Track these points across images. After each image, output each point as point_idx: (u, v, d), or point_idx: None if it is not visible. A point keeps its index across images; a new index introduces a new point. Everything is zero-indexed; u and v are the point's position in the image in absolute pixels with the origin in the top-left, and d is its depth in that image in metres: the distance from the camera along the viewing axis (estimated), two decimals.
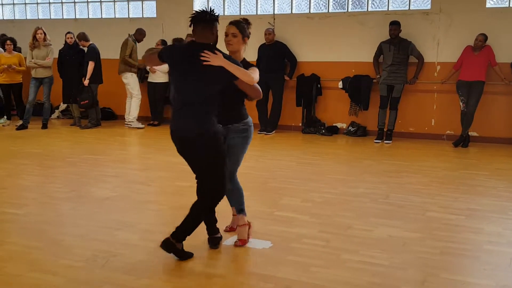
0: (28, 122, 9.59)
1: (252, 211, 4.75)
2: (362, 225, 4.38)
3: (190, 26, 3.53)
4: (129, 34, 9.81)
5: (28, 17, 11.74)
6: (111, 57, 9.95)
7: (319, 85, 9.25)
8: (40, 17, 11.61)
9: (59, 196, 5.28)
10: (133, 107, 9.87)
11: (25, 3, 11.77)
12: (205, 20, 3.49)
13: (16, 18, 11.86)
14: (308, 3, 9.42)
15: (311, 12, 9.40)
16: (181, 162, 6.73)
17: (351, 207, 4.93)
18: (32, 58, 9.49)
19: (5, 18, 11.98)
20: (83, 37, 9.64)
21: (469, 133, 8.28)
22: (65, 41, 9.69)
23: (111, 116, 10.83)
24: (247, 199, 5.11)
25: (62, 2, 11.40)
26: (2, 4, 12.00)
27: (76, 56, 9.67)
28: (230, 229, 4.19)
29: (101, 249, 3.82)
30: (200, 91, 3.47)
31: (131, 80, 9.77)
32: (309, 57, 9.34)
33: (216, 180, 3.57)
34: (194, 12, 3.56)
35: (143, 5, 10.71)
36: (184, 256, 3.62)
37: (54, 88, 9.79)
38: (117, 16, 10.94)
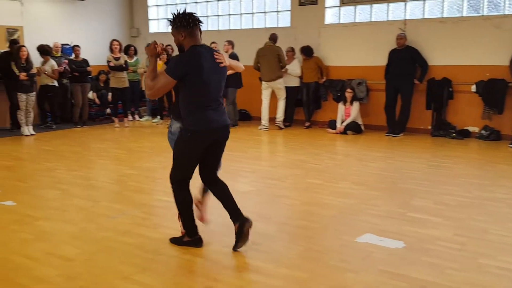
0: None
1: (384, 210, 4.59)
2: (499, 230, 4.02)
3: (188, 28, 3.39)
4: (272, 43, 9.67)
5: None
6: (249, 64, 10.10)
7: (450, 89, 8.71)
8: None
9: None
10: (282, 108, 9.87)
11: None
12: (199, 22, 3.48)
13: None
14: (441, 7, 8.90)
15: (444, 16, 8.87)
16: (310, 161, 6.77)
17: (487, 211, 4.55)
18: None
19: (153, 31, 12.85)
20: (230, 43, 10.03)
21: None
22: None
23: (247, 117, 11.11)
24: (378, 199, 4.97)
25: (207, 16, 11.92)
26: (149, 19, 12.88)
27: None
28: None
29: None
30: (221, 88, 3.60)
31: (283, 85, 9.85)
32: (440, 61, 8.82)
33: None
34: (181, 14, 3.41)
35: (278, 15, 10.85)
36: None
37: None
38: (254, 26, 11.20)
